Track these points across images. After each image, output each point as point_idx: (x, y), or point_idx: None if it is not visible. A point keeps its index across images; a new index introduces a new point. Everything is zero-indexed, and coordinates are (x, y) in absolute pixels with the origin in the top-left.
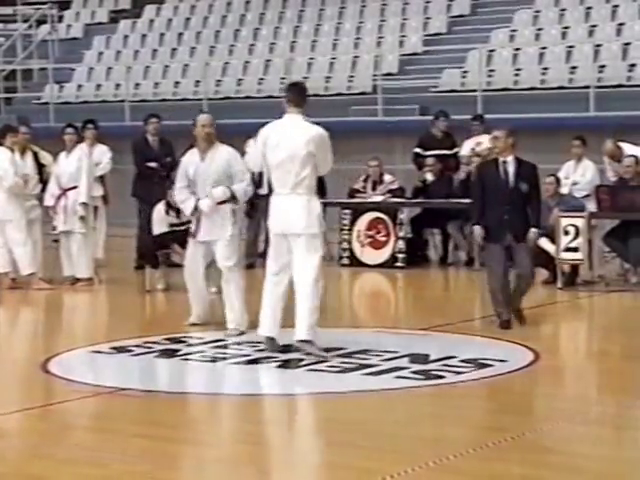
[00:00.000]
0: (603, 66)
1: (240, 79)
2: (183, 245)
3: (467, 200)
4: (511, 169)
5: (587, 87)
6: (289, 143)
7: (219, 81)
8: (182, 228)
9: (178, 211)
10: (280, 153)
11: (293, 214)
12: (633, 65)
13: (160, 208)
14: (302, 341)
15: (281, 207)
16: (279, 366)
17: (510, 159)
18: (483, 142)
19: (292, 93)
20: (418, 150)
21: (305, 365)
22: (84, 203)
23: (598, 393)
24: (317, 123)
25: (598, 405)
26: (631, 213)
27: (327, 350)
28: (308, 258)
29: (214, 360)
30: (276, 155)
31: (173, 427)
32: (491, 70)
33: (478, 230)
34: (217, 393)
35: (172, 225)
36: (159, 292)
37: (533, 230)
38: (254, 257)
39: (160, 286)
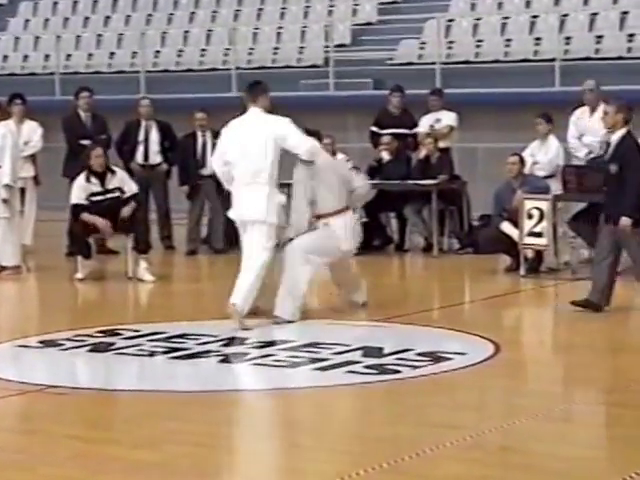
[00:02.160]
0: (569, 37)
1: (180, 50)
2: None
3: (426, 181)
4: (610, 148)
5: (553, 60)
6: (249, 136)
7: (157, 52)
8: (105, 197)
9: (102, 179)
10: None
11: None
12: (601, 36)
13: (81, 176)
14: (234, 304)
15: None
16: (222, 361)
17: (615, 137)
18: (442, 119)
19: (246, 92)
20: (374, 129)
21: (250, 359)
22: (7, 185)
23: (563, 388)
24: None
25: (563, 401)
26: (599, 195)
27: (273, 343)
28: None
29: (152, 354)
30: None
31: (106, 428)
32: (450, 41)
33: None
34: (155, 390)
35: (93, 194)
36: (92, 281)
37: (623, 218)
38: (196, 243)
39: (80, 276)
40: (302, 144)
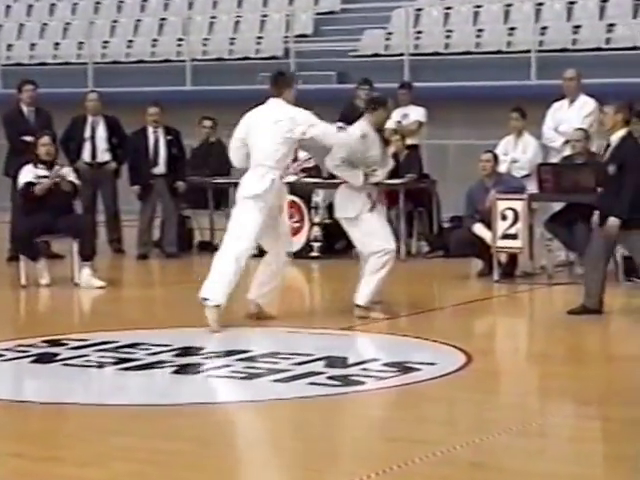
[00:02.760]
0: (545, 27)
1: (130, 40)
2: None
3: (393, 180)
4: (610, 149)
5: (528, 51)
6: (266, 121)
7: (106, 42)
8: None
9: (51, 165)
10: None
11: None
12: (579, 26)
13: (29, 165)
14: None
15: None
16: (175, 372)
17: (615, 138)
18: (410, 114)
19: (270, 84)
20: (340, 124)
21: (205, 371)
22: None
23: (538, 400)
24: (220, 91)
25: (538, 414)
26: (577, 195)
27: (230, 353)
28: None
29: (100, 365)
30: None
31: (51, 444)
32: (419, 32)
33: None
34: (103, 404)
35: (40, 177)
36: (38, 287)
37: (611, 219)
38: (147, 246)
39: (44, 281)
40: (329, 132)
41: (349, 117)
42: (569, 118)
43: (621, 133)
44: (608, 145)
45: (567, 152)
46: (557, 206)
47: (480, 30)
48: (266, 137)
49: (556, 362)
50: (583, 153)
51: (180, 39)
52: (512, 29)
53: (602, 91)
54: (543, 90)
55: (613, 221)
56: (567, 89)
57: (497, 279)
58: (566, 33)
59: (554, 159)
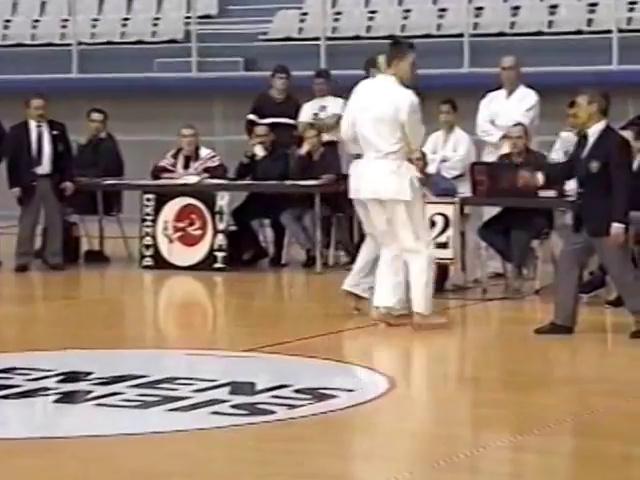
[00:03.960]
0: (480, 9)
1: (7, 20)
2: None
3: (307, 182)
4: (589, 145)
5: (460, 35)
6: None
7: None
8: None
9: None
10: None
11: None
12: (517, 8)
13: None
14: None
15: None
16: (59, 400)
17: (592, 131)
18: (328, 106)
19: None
20: (252, 117)
21: (93, 399)
22: None
23: (468, 430)
24: (111, 80)
25: (468, 446)
26: (515, 198)
27: (121, 378)
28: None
29: None
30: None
31: None
32: (337, 12)
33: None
34: None
35: None
36: None
37: (615, 225)
38: (28, 257)
39: None
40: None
41: (263, 110)
42: (507, 111)
43: (600, 125)
44: (582, 138)
45: (504, 150)
46: (492, 211)
47: (406, 11)
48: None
49: (489, 387)
50: (522, 151)
51: (65, 19)
52: (443, 10)
53: (542, 81)
54: (477, 80)
55: (617, 228)
56: (505, 79)
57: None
58: (503, 15)
59: (489, 157)
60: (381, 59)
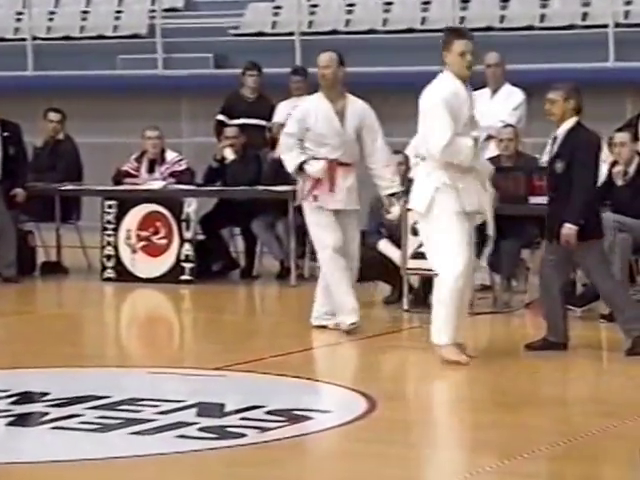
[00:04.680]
0: (467, 1)
1: None
2: None
3: (281, 187)
4: (556, 144)
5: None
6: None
7: None
8: None
9: None
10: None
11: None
12: (506, 0)
13: None
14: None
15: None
16: (12, 423)
17: (562, 130)
18: None
19: None
20: (222, 118)
21: (49, 421)
22: None
23: (455, 455)
24: (70, 77)
25: (454, 472)
26: (504, 205)
27: (79, 400)
28: None
29: None
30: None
31: None
32: (314, 5)
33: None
34: None
35: None
36: None
37: (567, 226)
38: None
39: None
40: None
41: (233, 110)
42: (492, 111)
43: (570, 124)
44: (555, 138)
45: (491, 153)
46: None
47: (388, 4)
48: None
49: (477, 407)
50: (512, 155)
51: (19, 12)
52: (427, 3)
53: (534, 79)
54: None
55: (569, 228)
56: (490, 77)
57: (407, 308)
58: (492, 8)
59: None
60: None
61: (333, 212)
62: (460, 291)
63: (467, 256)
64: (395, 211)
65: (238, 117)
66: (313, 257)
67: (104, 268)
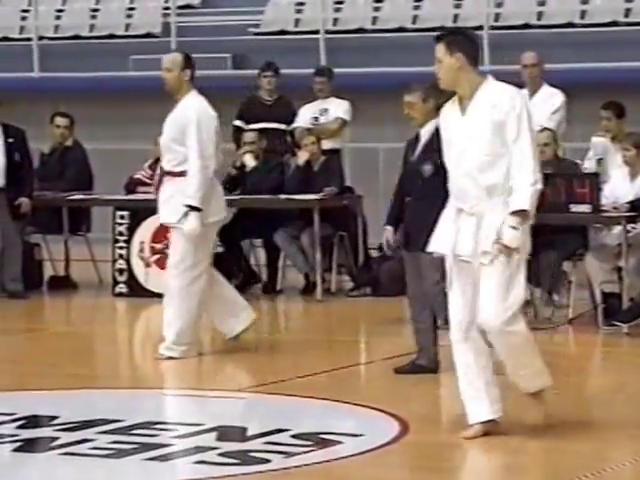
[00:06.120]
0: None
1: None
2: None
3: (306, 196)
4: (419, 146)
5: (479, 28)
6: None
7: None
8: None
9: None
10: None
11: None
12: None
13: None
14: None
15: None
16: (18, 449)
17: (425, 131)
18: (330, 109)
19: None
20: (239, 123)
21: (59, 447)
22: None
23: None
24: (78, 79)
25: None
26: (544, 214)
27: (91, 424)
28: None
29: None
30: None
31: None
32: (339, 2)
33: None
34: None
35: None
36: None
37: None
38: None
39: None
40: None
41: (251, 114)
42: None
43: (433, 125)
44: (416, 140)
45: None
46: None
47: (418, 0)
48: None
49: (515, 431)
50: (552, 160)
51: (24, 10)
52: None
53: (573, 79)
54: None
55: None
56: (527, 77)
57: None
58: (528, 4)
59: None
60: None
61: None
62: None
63: None
64: None
65: (256, 121)
66: (340, 270)
67: (116, 283)
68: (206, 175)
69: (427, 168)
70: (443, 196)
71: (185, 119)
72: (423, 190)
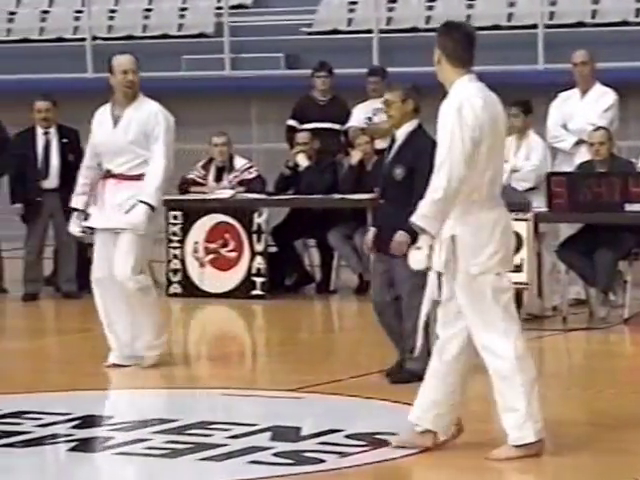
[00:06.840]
0: None
1: (12, 13)
2: None
3: (359, 196)
4: (394, 148)
5: (534, 26)
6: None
7: None
8: None
9: None
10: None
11: None
12: None
13: None
14: None
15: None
16: (74, 449)
17: (401, 133)
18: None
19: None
20: (292, 123)
21: (114, 447)
22: None
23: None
24: None
25: None
26: (599, 214)
27: (146, 423)
28: None
29: None
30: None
31: None
32: (392, 1)
33: (368, 234)
34: None
35: None
36: None
37: (400, 232)
38: (37, 284)
39: None
40: None
41: (304, 114)
42: (582, 113)
43: (410, 126)
44: (392, 141)
45: (582, 157)
46: (572, 228)
47: None
48: None
49: (570, 433)
50: (606, 159)
51: (78, 11)
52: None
53: (629, 78)
54: (553, 77)
55: (402, 235)
56: (578, 76)
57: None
58: (583, 2)
59: (563, 166)
60: None
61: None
62: None
63: None
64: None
65: (310, 121)
66: None
67: (170, 283)
68: (168, 177)
69: (399, 172)
70: (415, 199)
71: (153, 121)
72: (393, 192)
